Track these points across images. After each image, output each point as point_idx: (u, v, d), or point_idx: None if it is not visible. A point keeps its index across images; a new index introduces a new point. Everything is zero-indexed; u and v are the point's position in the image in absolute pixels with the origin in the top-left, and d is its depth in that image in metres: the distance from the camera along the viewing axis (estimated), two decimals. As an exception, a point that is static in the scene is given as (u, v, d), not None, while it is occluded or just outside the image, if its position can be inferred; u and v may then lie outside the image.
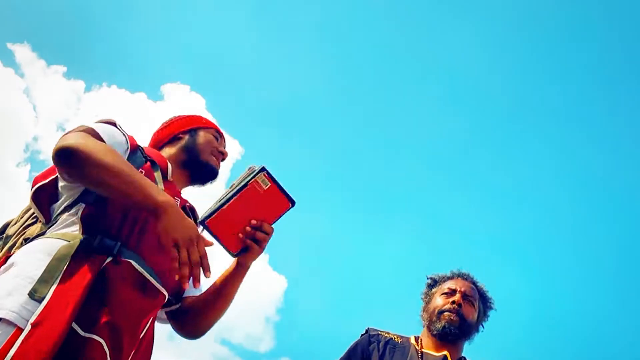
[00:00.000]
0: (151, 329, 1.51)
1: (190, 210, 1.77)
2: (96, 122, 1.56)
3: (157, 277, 1.48)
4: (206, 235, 1.46)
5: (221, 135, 1.94)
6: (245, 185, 1.43)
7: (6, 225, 1.66)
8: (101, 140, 1.47)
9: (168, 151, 1.82)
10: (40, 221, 1.54)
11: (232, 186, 1.47)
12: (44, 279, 1.27)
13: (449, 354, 2.17)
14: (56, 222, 1.47)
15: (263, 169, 1.44)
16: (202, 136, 1.85)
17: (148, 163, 1.62)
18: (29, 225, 1.55)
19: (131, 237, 1.44)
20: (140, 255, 1.44)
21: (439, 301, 2.30)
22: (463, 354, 2.27)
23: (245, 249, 1.51)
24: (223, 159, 1.89)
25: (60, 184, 1.52)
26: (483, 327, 2.37)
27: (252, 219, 1.48)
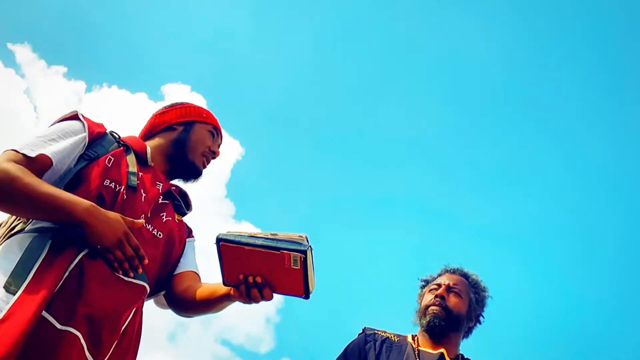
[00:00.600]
0: (135, 321, 1.49)
1: (180, 195, 1.75)
2: (55, 122, 1.55)
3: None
4: (214, 250, 1.41)
5: (218, 132, 1.87)
6: (278, 249, 1.34)
7: None
8: (23, 157, 1.40)
9: (158, 140, 1.77)
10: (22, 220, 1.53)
11: (273, 235, 1.37)
12: (17, 272, 1.28)
13: (445, 352, 2.17)
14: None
15: (304, 252, 1.33)
16: (196, 132, 1.79)
17: (121, 148, 1.59)
18: (16, 226, 1.53)
19: None
20: None
21: (427, 298, 2.32)
22: (461, 352, 2.26)
23: (237, 287, 1.45)
24: (214, 158, 1.83)
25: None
26: (483, 317, 2.38)
27: (262, 274, 1.40)
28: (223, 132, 1.93)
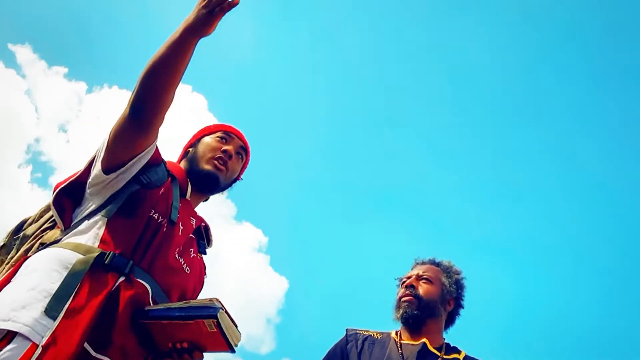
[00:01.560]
0: None
1: (204, 230, 1.75)
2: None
3: (167, 301, 1.47)
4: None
5: (230, 134, 1.85)
6: (192, 318, 1.37)
7: (23, 223, 1.65)
8: None
9: (183, 167, 1.79)
10: (58, 227, 1.53)
11: (186, 303, 1.40)
12: (59, 296, 1.26)
13: (427, 341, 2.16)
14: (75, 228, 1.45)
15: (215, 317, 1.36)
16: (202, 144, 1.80)
17: (169, 179, 1.61)
18: (47, 229, 1.54)
19: (145, 258, 1.44)
20: (153, 276, 1.44)
21: (399, 292, 2.33)
22: (447, 341, 2.25)
23: (170, 355, 1.45)
24: (230, 157, 1.78)
25: (88, 190, 1.51)
26: (463, 300, 2.35)
27: (187, 339, 1.41)
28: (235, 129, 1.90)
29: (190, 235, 1.64)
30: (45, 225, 1.54)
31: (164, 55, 1.39)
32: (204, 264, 1.74)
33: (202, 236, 1.72)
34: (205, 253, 1.75)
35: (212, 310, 1.35)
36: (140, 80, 1.41)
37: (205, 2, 1.38)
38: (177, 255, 1.52)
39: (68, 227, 1.49)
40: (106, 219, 1.43)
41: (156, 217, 1.49)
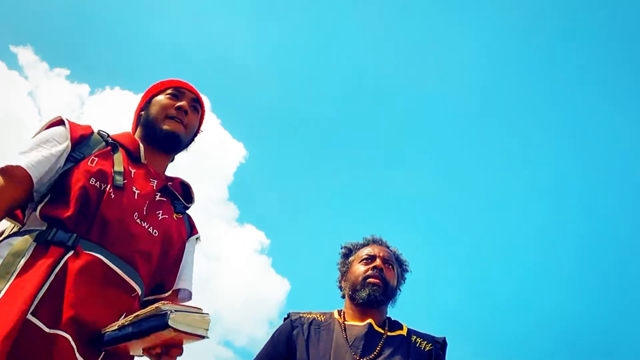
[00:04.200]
0: None
1: (182, 186, 1.73)
2: (40, 130, 1.56)
3: (130, 269, 1.45)
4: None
5: (180, 89, 1.80)
6: (147, 333, 1.29)
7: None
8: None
9: (137, 134, 1.76)
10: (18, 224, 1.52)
11: (136, 317, 1.31)
12: (0, 275, 1.27)
13: (372, 321, 2.13)
14: (26, 222, 1.46)
15: (166, 325, 1.25)
16: (153, 105, 1.75)
17: (108, 147, 1.59)
18: (11, 229, 1.51)
19: (93, 229, 1.41)
20: (105, 247, 1.41)
21: (360, 268, 2.24)
22: (387, 315, 2.24)
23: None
24: (186, 113, 1.74)
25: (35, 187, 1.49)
26: (400, 290, 2.34)
27: (158, 345, 1.36)
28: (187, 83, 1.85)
29: (158, 197, 1.61)
30: (13, 231, 1.50)
31: None
32: (183, 223, 1.71)
33: (173, 196, 1.69)
34: (183, 212, 1.72)
35: (161, 320, 1.27)
36: None
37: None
38: (138, 220, 1.49)
39: (24, 224, 1.48)
40: (46, 200, 1.43)
41: (98, 185, 1.46)
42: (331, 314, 2.25)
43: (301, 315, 2.25)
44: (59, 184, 1.46)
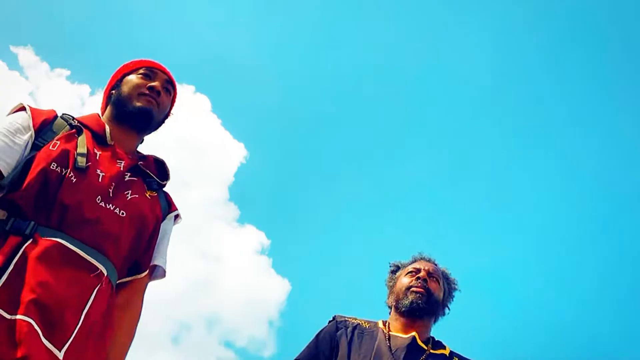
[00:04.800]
0: (100, 304, 1.43)
1: (156, 163, 1.72)
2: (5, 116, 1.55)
3: (93, 251, 1.42)
4: None
5: (153, 70, 1.78)
6: None
7: None
8: None
9: (106, 114, 1.73)
10: None
11: None
12: None
13: (417, 334, 2.17)
14: None
15: None
16: (125, 83, 1.73)
17: (73, 130, 1.57)
18: None
19: (52, 215, 1.39)
20: (66, 232, 1.39)
21: (404, 280, 2.32)
22: (431, 334, 2.27)
23: None
24: (157, 93, 1.72)
25: None
26: (449, 308, 2.40)
27: None
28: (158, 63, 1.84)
29: (128, 177, 1.58)
30: None
31: None
32: (157, 200, 1.67)
33: (145, 175, 1.66)
34: (157, 189, 1.69)
35: None
36: None
37: None
38: (101, 203, 1.46)
39: None
40: (6, 190, 1.41)
41: (57, 169, 1.43)
42: (376, 323, 2.32)
43: (346, 319, 2.32)
44: (21, 173, 1.44)
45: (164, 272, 1.68)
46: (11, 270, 1.29)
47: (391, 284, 2.41)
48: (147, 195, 1.63)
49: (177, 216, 1.77)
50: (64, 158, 1.46)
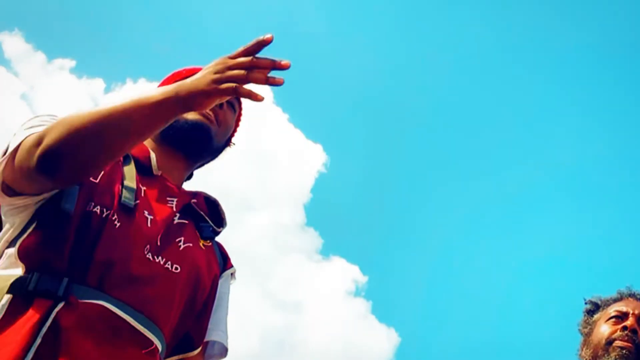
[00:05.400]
0: None
1: (207, 202, 1.44)
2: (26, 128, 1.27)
3: (144, 318, 1.19)
4: None
5: None
6: None
7: None
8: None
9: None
10: None
11: None
12: None
13: None
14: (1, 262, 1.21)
15: None
16: None
17: None
18: None
19: (90, 271, 1.16)
20: (110, 292, 1.16)
21: (604, 329, 1.98)
22: None
23: None
24: (219, 106, 1.39)
25: (3, 209, 1.26)
26: None
27: None
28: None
29: (177, 219, 1.35)
30: None
31: (128, 118, 1.15)
32: (213, 252, 1.44)
33: (198, 216, 1.42)
34: (212, 237, 1.45)
35: None
36: (68, 131, 1.14)
37: (223, 71, 1.13)
38: (149, 255, 1.24)
39: None
40: (24, 235, 1.18)
41: (97, 210, 1.22)
42: None
43: None
44: (53, 210, 1.20)
45: (225, 349, 1.43)
46: (39, 345, 1.05)
47: (586, 330, 2.05)
48: (201, 245, 1.40)
49: (232, 274, 1.52)
50: (106, 195, 1.25)
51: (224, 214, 1.50)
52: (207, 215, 1.44)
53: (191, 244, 1.35)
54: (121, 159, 1.33)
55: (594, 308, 2.09)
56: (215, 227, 1.46)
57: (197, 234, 1.39)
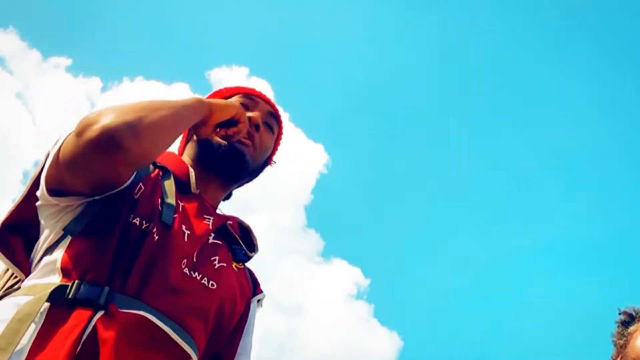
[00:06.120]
0: None
1: (241, 232, 1.46)
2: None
3: (181, 330, 1.18)
4: None
5: (252, 97, 1.57)
6: None
7: None
8: None
9: (188, 152, 1.53)
10: (19, 277, 1.29)
11: None
12: (1, 347, 1.00)
13: None
14: (35, 270, 1.20)
15: None
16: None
17: (156, 171, 1.37)
18: (12, 286, 1.32)
19: (129, 280, 1.15)
20: (148, 302, 1.15)
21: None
22: None
23: None
24: (255, 127, 1.48)
25: (44, 212, 1.25)
26: None
27: None
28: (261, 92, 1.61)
29: (211, 238, 1.37)
30: (9, 283, 1.31)
31: (187, 110, 1.30)
32: (245, 275, 1.45)
33: (235, 240, 1.44)
34: (245, 261, 1.46)
35: None
36: (144, 109, 1.18)
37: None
38: (186, 269, 1.25)
39: (28, 272, 1.25)
40: (66, 245, 1.18)
41: (137, 222, 1.23)
42: None
43: None
44: (94, 219, 1.22)
45: None
46: (80, 352, 1.02)
47: (621, 342, 1.97)
48: (234, 267, 1.41)
49: (259, 300, 1.52)
50: (148, 209, 1.28)
51: (256, 239, 1.51)
52: (240, 239, 1.46)
53: (225, 265, 1.35)
54: (159, 172, 1.35)
55: (629, 319, 2.02)
56: (247, 251, 1.47)
57: (230, 255, 1.40)
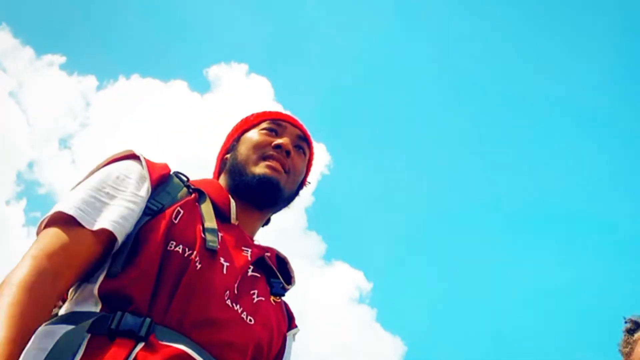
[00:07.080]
0: None
1: (278, 264, 1.44)
2: (102, 164, 1.30)
3: None
4: None
5: (280, 122, 1.56)
6: None
7: None
8: (77, 224, 1.15)
9: (222, 182, 1.51)
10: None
11: None
12: None
13: None
14: (72, 296, 1.18)
15: None
16: (242, 143, 1.52)
17: (192, 195, 1.33)
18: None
19: (170, 312, 1.13)
20: (188, 334, 1.12)
21: None
22: None
23: None
24: (286, 153, 1.47)
25: None
26: None
27: None
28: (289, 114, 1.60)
29: (250, 271, 1.34)
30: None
31: None
32: (282, 309, 1.43)
33: (273, 272, 1.42)
34: (282, 294, 1.44)
35: None
36: None
37: None
38: (228, 301, 1.21)
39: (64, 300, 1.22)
40: (104, 271, 1.16)
41: (179, 250, 1.19)
42: None
43: None
44: (134, 246, 1.20)
45: None
46: None
47: (627, 350, 2.01)
48: (272, 300, 1.38)
49: (294, 334, 1.49)
50: (188, 235, 1.24)
51: (293, 272, 1.50)
52: (277, 271, 1.44)
53: (263, 299, 1.34)
54: (195, 196, 1.33)
55: (635, 327, 2.06)
56: (285, 284, 1.46)
57: (268, 289, 1.39)
